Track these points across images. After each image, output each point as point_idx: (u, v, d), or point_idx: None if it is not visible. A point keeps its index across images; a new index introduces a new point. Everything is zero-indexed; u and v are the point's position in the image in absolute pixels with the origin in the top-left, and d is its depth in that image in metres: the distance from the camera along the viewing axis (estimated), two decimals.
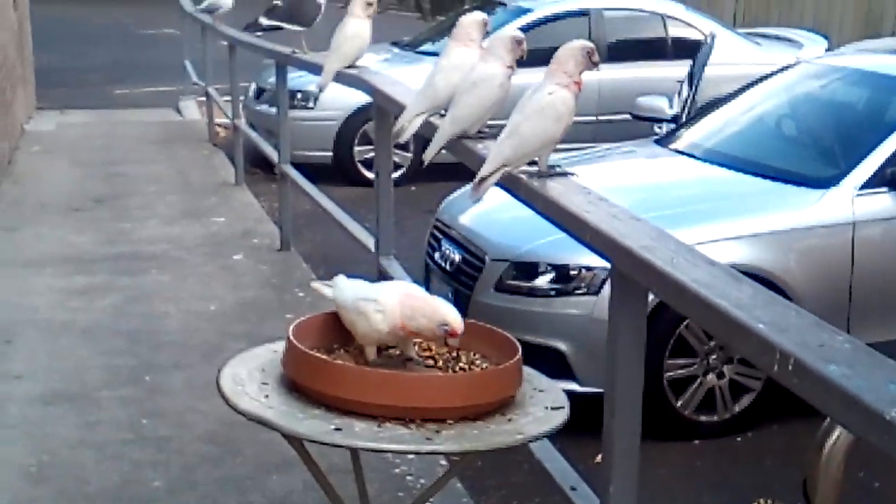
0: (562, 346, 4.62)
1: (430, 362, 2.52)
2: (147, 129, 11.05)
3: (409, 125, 3.10)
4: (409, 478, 3.78)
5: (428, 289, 5.29)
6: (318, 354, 2.40)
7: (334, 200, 5.73)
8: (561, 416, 2.36)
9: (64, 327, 5.22)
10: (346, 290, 2.51)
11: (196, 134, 10.69)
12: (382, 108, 4.09)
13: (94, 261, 6.36)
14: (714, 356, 4.64)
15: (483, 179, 2.56)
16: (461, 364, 2.51)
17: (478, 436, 2.24)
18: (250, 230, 7.12)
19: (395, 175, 7.16)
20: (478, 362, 2.53)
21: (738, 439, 4.65)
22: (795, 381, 1.57)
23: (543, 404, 2.40)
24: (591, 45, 2.51)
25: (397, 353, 2.52)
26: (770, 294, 1.84)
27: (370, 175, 9.14)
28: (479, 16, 3.17)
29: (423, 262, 5.47)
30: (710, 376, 4.67)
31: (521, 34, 2.84)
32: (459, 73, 2.91)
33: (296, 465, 2.94)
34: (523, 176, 2.59)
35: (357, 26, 4.34)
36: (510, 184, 2.66)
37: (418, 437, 2.21)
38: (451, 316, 2.36)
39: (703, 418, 4.69)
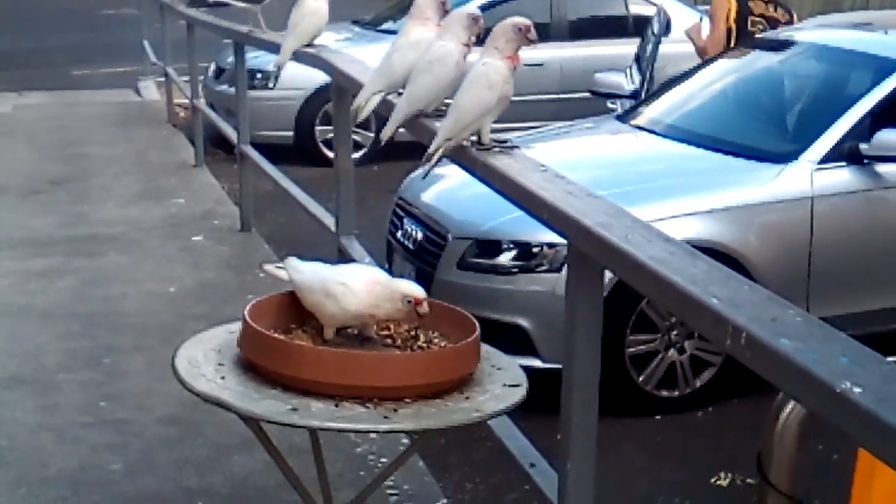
0: (524, 322, 4.63)
1: (389, 341, 2.51)
2: (106, 109, 10.94)
3: (366, 104, 3.08)
4: (370, 457, 3.78)
5: (390, 267, 5.33)
6: (274, 334, 2.39)
7: (296, 181, 5.70)
8: (519, 394, 2.37)
9: (22, 310, 5.17)
10: (307, 272, 2.50)
11: (155, 114, 10.58)
12: (341, 87, 4.07)
13: (53, 243, 6.29)
14: (675, 332, 4.66)
15: (430, 155, 2.60)
16: (419, 343, 2.51)
17: (435, 414, 2.24)
18: (210, 211, 7.07)
19: (357, 155, 7.14)
20: (436, 341, 2.52)
21: (700, 414, 4.68)
22: (749, 356, 1.57)
23: (501, 381, 2.40)
24: (525, 21, 2.53)
25: (355, 332, 2.51)
26: (725, 270, 1.84)
27: (331, 154, 9.12)
28: None
29: (386, 240, 5.46)
30: (672, 352, 4.69)
31: (477, 11, 2.83)
32: (416, 51, 2.90)
33: (256, 446, 2.92)
34: (469, 148, 2.62)
35: (314, 4, 4.32)
36: (466, 160, 2.67)
37: (376, 416, 2.20)
38: (410, 287, 2.41)
39: (664, 393, 4.72)
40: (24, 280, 5.61)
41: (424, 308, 2.41)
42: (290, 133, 9.19)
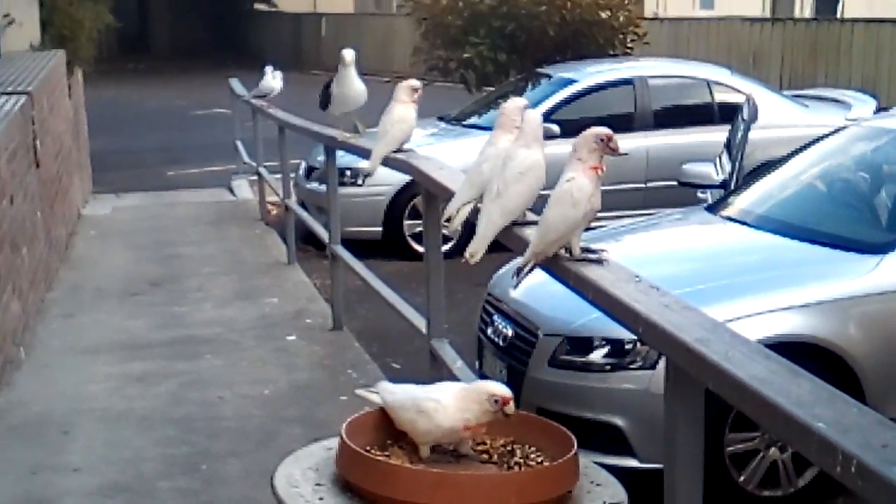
0: (619, 421, 4.57)
1: (485, 457, 2.50)
2: (200, 209, 11.22)
3: (457, 214, 3.12)
4: None
5: (481, 364, 5.32)
6: (370, 454, 2.39)
7: (386, 276, 5.76)
8: None
9: (121, 416, 5.26)
10: (398, 392, 2.52)
11: (248, 213, 10.82)
12: (430, 192, 4.11)
13: (150, 346, 6.42)
14: None
15: (521, 268, 2.66)
16: (516, 458, 2.48)
17: None
18: (303, 310, 7.16)
19: (445, 247, 7.18)
20: (532, 456, 2.50)
21: None
22: (860, 484, 1.53)
23: (601, 499, 2.36)
24: (606, 131, 2.56)
25: (451, 448, 2.50)
26: (830, 389, 1.80)
27: (420, 249, 9.18)
28: (520, 101, 3.21)
29: (476, 337, 5.45)
30: (773, 450, 4.58)
31: (539, 116, 2.88)
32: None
33: None
34: (560, 258, 2.65)
35: (403, 111, 4.40)
36: (558, 270, 2.68)
37: None
38: (495, 386, 2.43)
39: (766, 493, 4.60)
40: (122, 384, 5.72)
41: (511, 408, 2.41)
42: (379, 228, 9.32)
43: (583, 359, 4.68)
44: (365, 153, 5.01)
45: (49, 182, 8.15)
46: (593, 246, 2.72)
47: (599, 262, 2.62)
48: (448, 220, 3.21)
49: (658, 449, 4.29)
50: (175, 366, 6.02)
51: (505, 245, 2.97)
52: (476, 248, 2.87)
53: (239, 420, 5.18)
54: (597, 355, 4.65)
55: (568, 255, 2.65)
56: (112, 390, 5.63)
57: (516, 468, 2.44)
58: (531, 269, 2.66)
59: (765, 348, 2.01)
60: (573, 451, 2.37)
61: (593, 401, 4.59)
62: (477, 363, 5.33)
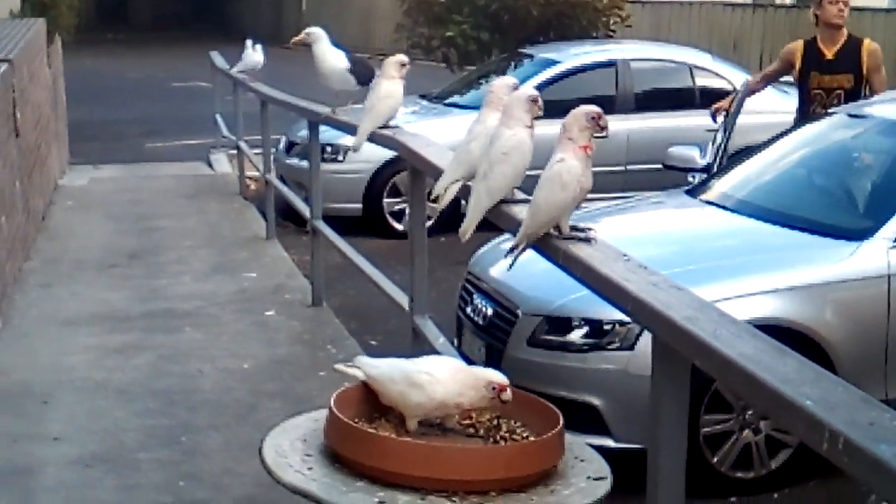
0: (596, 401, 4.60)
1: (471, 431, 2.53)
2: (179, 182, 11.17)
3: (445, 192, 3.13)
4: None
5: (460, 343, 5.35)
6: (361, 426, 2.42)
7: (365, 253, 5.77)
8: (604, 487, 2.36)
9: (100, 387, 5.26)
10: (384, 366, 2.54)
11: (227, 187, 10.79)
12: (416, 169, 4.13)
13: (130, 318, 6.40)
14: (750, 411, 4.61)
15: (513, 249, 2.70)
16: (502, 433, 2.52)
17: None
18: (282, 285, 7.16)
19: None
20: (518, 431, 2.53)
21: (776, 496, 4.60)
22: (846, 461, 1.57)
23: (586, 474, 2.40)
24: (597, 109, 2.58)
25: (437, 422, 2.53)
26: (816, 368, 1.84)
27: (399, 227, 9.22)
28: (509, 80, 3.22)
29: (455, 315, 5.48)
30: (747, 432, 4.63)
31: (535, 92, 2.88)
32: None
33: None
34: (550, 237, 2.67)
35: (390, 87, 4.40)
36: (548, 249, 2.71)
37: None
38: (493, 374, 2.45)
39: (739, 474, 4.65)
40: (102, 356, 5.71)
41: (508, 395, 2.43)
42: (359, 205, 9.31)
43: (562, 339, 4.72)
44: (350, 129, 5.01)
45: (28, 151, 8.09)
46: (581, 225, 2.75)
47: (588, 240, 2.65)
48: (436, 199, 3.22)
49: (634, 429, 4.37)
50: (154, 338, 6.02)
51: (494, 224, 2.99)
52: (466, 227, 2.91)
53: (218, 393, 5.19)
54: (575, 335, 4.69)
55: (557, 233, 2.68)
56: (91, 361, 5.63)
57: (502, 442, 2.48)
58: (524, 249, 2.68)
59: (752, 327, 2.05)
60: (559, 426, 2.41)
61: (571, 380, 4.63)
62: (456, 341, 5.36)
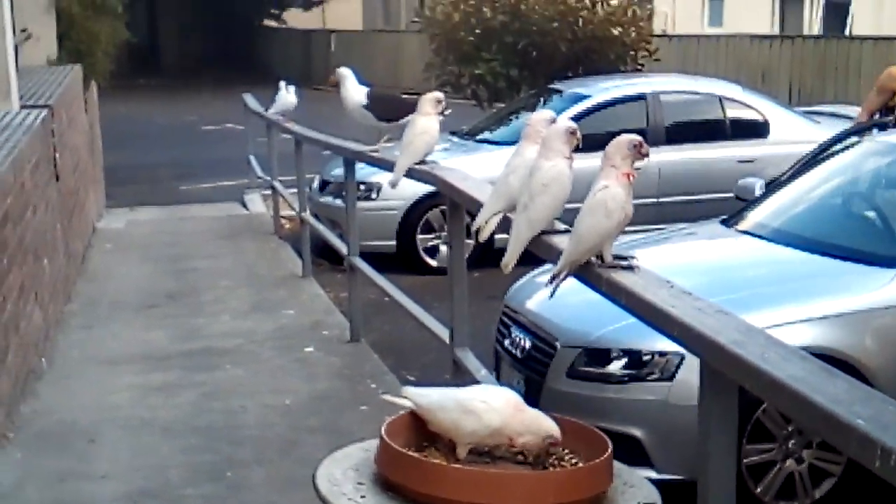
0: (637, 432, 4.60)
1: (520, 458, 2.55)
2: (213, 223, 11.30)
3: (486, 225, 3.18)
4: None
5: (498, 376, 5.36)
6: (412, 453, 2.45)
7: (400, 289, 5.82)
8: None
9: (145, 425, 5.32)
10: (434, 395, 2.57)
11: (261, 227, 10.90)
12: (455, 202, 4.18)
13: (170, 357, 6.48)
14: (793, 441, 4.60)
15: (555, 277, 2.71)
16: (550, 460, 2.54)
17: None
18: (320, 322, 7.22)
19: None
20: (567, 457, 2.55)
21: None
22: None
23: (636, 500, 2.42)
24: (637, 137, 2.62)
25: (486, 449, 2.56)
26: (866, 388, 1.86)
27: (433, 263, 9.28)
28: (547, 113, 3.27)
29: (493, 348, 5.50)
30: (789, 461, 4.62)
31: (573, 124, 2.93)
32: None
33: None
34: (592, 265, 2.70)
35: (426, 123, 4.46)
36: (590, 277, 2.74)
37: None
38: (554, 427, 2.47)
39: None
40: (144, 394, 5.78)
41: (557, 449, 2.50)
42: (393, 242, 9.38)
43: (601, 370, 4.73)
44: (386, 166, 5.08)
45: (68, 195, 8.23)
46: (623, 253, 2.78)
47: (631, 268, 2.68)
48: (477, 231, 3.27)
49: (675, 460, 4.36)
50: (195, 376, 6.08)
51: (535, 254, 3.03)
52: (508, 259, 2.94)
53: (261, 429, 5.23)
54: (615, 367, 4.70)
55: (599, 261, 2.71)
56: (135, 400, 5.69)
57: (551, 469, 2.50)
58: (565, 277, 2.71)
59: (800, 350, 2.07)
60: (608, 452, 2.43)
61: (611, 412, 4.63)
62: (494, 374, 5.38)
